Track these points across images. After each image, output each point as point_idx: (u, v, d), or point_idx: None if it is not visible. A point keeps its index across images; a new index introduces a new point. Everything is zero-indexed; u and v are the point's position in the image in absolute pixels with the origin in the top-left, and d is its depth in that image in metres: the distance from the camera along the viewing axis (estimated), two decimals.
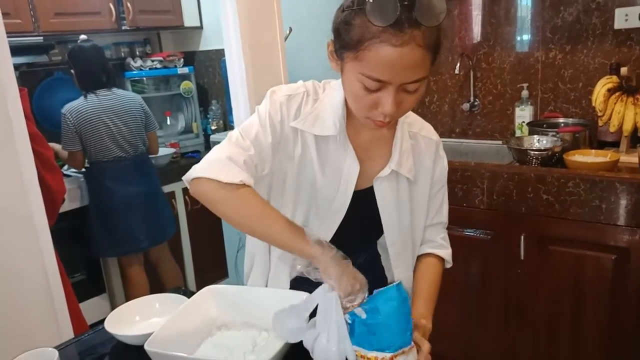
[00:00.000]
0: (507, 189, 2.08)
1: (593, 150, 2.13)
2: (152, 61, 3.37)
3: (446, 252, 1.23)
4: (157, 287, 2.90)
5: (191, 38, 3.61)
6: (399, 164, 1.10)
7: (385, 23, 0.85)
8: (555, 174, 1.98)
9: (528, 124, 2.45)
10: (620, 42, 2.27)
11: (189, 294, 1.20)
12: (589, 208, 1.92)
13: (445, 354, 2.17)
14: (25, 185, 1.69)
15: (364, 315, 0.89)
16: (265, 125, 1.05)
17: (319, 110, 1.07)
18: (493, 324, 2.23)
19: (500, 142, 2.53)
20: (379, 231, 1.15)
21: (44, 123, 2.88)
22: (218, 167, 0.99)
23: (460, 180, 2.17)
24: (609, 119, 2.11)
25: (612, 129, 2.12)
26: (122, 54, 3.37)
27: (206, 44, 3.57)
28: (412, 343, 0.92)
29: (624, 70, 2.19)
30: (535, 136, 2.29)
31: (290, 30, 2.72)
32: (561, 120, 2.43)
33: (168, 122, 3.54)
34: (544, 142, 2.24)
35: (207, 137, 3.57)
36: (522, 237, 2.07)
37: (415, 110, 1.14)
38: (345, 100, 1.04)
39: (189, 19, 3.42)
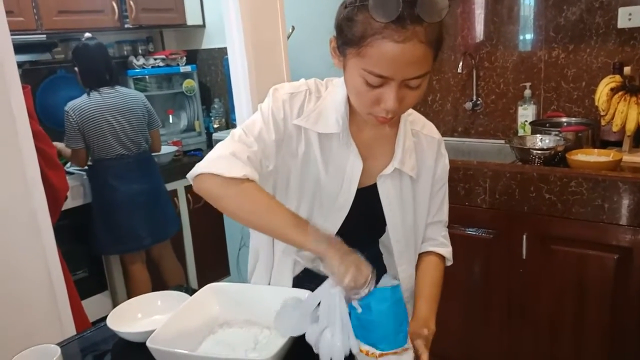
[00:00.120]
0: (509, 188, 2.08)
1: (596, 150, 2.13)
2: (155, 59, 3.37)
3: (447, 250, 1.23)
4: (159, 285, 2.90)
5: (194, 36, 3.61)
6: (401, 162, 1.10)
7: (388, 19, 0.85)
8: (558, 174, 1.98)
9: (531, 123, 2.45)
10: (623, 41, 2.26)
11: (191, 291, 1.20)
12: (592, 207, 1.92)
13: (447, 353, 2.17)
14: (28, 182, 1.69)
15: (359, 310, 0.89)
16: (268, 122, 1.05)
17: (321, 108, 1.07)
18: (495, 323, 2.22)
19: (502, 141, 2.53)
20: (382, 229, 1.15)
21: (46, 121, 2.88)
22: (221, 163, 0.99)
23: (463, 179, 2.17)
24: (612, 118, 2.10)
25: (614, 129, 2.11)
26: (125, 52, 3.37)
27: (209, 42, 3.57)
28: (408, 345, 0.92)
29: (627, 69, 2.18)
30: (538, 135, 2.29)
31: (293, 28, 2.72)
32: (564, 119, 2.42)
33: (170, 121, 3.54)
34: (547, 141, 2.24)
35: (209, 135, 3.57)
36: (525, 237, 2.06)
37: (417, 109, 1.15)
38: (348, 98, 1.04)
39: (192, 17, 3.42)
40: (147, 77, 3.36)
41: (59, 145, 2.63)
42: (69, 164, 2.87)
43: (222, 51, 3.40)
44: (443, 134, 1.22)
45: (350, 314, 0.90)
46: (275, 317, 0.96)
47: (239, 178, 0.97)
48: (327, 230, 0.98)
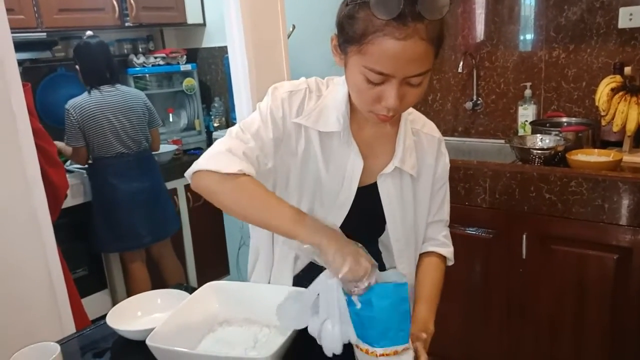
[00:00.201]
0: (509, 188, 2.08)
1: (596, 150, 2.13)
2: (155, 58, 3.37)
3: (448, 250, 1.23)
4: (158, 283, 2.90)
5: (194, 35, 3.61)
6: (402, 161, 1.10)
7: (389, 16, 0.85)
8: (558, 173, 1.98)
9: (531, 123, 2.45)
10: (624, 41, 2.26)
11: (190, 290, 1.20)
12: (592, 207, 1.92)
13: (447, 353, 2.17)
14: (28, 180, 1.69)
15: (358, 305, 0.88)
16: (266, 121, 1.05)
17: (322, 107, 1.07)
18: (495, 323, 2.22)
19: (503, 141, 2.53)
20: (381, 228, 1.15)
21: (46, 119, 2.88)
22: (217, 159, 0.99)
23: (463, 178, 2.17)
24: (612, 118, 2.10)
25: (615, 129, 2.11)
26: (125, 51, 3.37)
27: (209, 41, 3.57)
28: (409, 345, 0.91)
29: (627, 69, 2.18)
30: (538, 135, 2.29)
31: (294, 27, 2.72)
32: (564, 119, 2.42)
33: (170, 119, 3.54)
34: (547, 141, 2.24)
35: (209, 134, 3.58)
36: (524, 236, 2.07)
37: (417, 108, 1.15)
38: (349, 96, 1.04)
39: (192, 16, 3.42)
40: (147, 75, 3.36)
41: (60, 144, 2.63)
42: (69, 162, 2.87)
43: (223, 50, 3.39)
44: (443, 134, 1.22)
45: (349, 309, 0.89)
46: (276, 311, 0.96)
47: (234, 173, 0.96)
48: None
